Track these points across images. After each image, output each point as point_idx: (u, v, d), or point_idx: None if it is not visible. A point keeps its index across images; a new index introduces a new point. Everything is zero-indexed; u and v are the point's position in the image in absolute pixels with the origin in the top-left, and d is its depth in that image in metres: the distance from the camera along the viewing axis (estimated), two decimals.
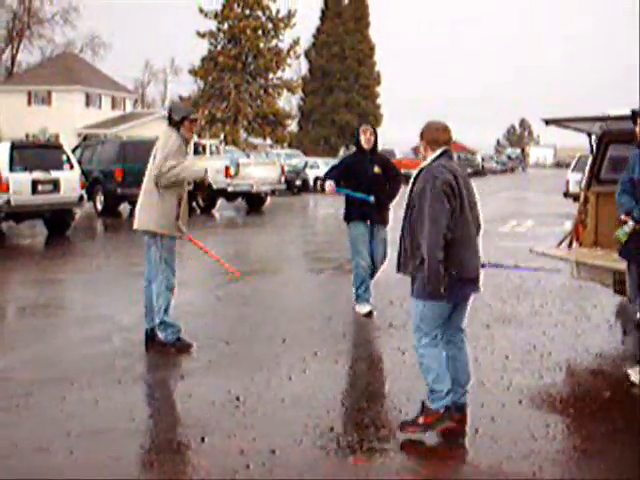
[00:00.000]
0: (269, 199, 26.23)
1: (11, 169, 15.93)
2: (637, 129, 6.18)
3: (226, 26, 58.29)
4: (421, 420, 5.04)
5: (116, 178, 21.53)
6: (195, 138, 46.42)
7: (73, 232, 17.35)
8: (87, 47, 73.02)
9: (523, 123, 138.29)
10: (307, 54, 70.78)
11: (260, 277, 11.64)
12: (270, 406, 5.68)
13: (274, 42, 59.26)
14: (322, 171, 37.26)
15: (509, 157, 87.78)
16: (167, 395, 6.17)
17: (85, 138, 44.31)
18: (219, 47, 58.93)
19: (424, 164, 5.19)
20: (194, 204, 22.73)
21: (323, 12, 72.22)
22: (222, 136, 46.12)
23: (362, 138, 8.74)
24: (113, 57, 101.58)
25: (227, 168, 23.94)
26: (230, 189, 24.06)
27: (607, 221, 8.10)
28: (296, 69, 68.06)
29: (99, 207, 22.42)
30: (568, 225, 8.75)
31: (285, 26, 59.20)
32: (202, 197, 23.36)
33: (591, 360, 6.97)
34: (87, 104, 59.01)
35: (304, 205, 29.54)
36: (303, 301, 9.93)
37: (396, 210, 6.69)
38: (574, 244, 8.45)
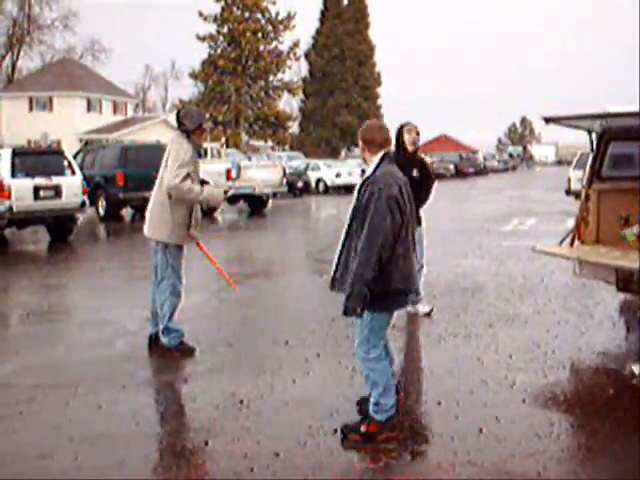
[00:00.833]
0: (271, 201, 26.24)
1: (13, 175, 15.94)
2: None
3: (226, 29, 58.40)
4: (363, 429, 5.01)
5: (118, 183, 21.55)
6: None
7: (76, 237, 17.37)
8: (87, 52, 73.21)
9: (524, 121, 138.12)
10: (307, 56, 70.88)
11: (263, 279, 11.64)
12: (274, 409, 5.68)
13: (274, 44, 59.37)
14: (323, 173, 37.37)
15: (511, 155, 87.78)
16: (171, 399, 6.17)
17: (86, 143, 44.36)
18: (219, 50, 59.05)
19: (368, 173, 4.95)
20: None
21: (322, 13, 72.33)
22: (223, 139, 46.17)
23: (406, 138, 8.21)
24: (113, 62, 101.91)
25: (229, 171, 23.94)
26: (232, 192, 24.05)
27: (609, 218, 8.09)
28: (296, 71, 68.17)
29: (101, 212, 22.43)
30: (570, 223, 8.73)
31: (285, 28, 59.27)
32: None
33: (595, 358, 6.96)
34: (88, 109, 59.09)
35: (306, 207, 29.54)
36: (306, 303, 9.93)
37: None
38: (576, 242, 8.44)
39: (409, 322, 8.28)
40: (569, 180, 23.87)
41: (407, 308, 8.08)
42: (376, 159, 4.97)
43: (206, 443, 5.04)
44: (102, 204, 22.39)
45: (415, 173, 8.20)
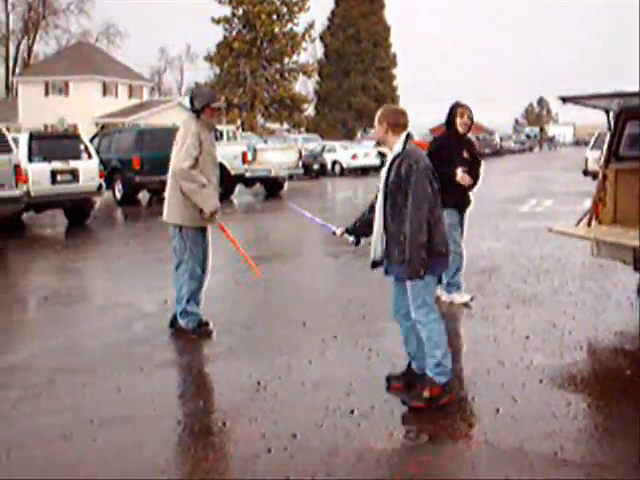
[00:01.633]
0: (287, 184, 26.23)
1: (30, 160, 16.02)
2: None
3: (240, 11, 58.27)
4: (427, 394, 5.19)
5: (134, 166, 21.59)
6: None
7: (93, 221, 17.46)
8: (103, 36, 73.34)
9: (541, 102, 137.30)
10: (322, 37, 70.59)
11: (279, 262, 11.66)
12: (291, 390, 5.70)
13: (289, 26, 59.28)
14: (339, 155, 37.28)
15: (527, 136, 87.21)
16: (188, 381, 6.21)
17: (103, 127, 44.46)
18: (234, 33, 58.97)
19: (397, 150, 5.29)
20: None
21: None
22: (239, 122, 46.15)
23: (458, 120, 8.03)
24: (129, 45, 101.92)
25: (245, 154, 23.93)
26: (248, 175, 24.06)
27: (626, 198, 8.04)
28: (311, 53, 67.94)
29: (118, 196, 22.50)
30: (588, 203, 8.69)
31: (299, 10, 59.12)
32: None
33: (612, 338, 6.94)
34: (104, 93, 59.23)
35: (322, 189, 29.52)
36: (322, 285, 9.95)
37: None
38: (593, 222, 8.39)
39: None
40: (586, 160, 23.72)
41: (442, 297, 8.11)
42: (402, 138, 5.31)
43: (224, 424, 5.08)
44: (119, 188, 22.46)
45: (465, 154, 8.13)
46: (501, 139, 65.67)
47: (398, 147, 5.29)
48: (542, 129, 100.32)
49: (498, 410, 5.20)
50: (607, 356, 6.56)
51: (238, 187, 24.71)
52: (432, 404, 5.18)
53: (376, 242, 5.39)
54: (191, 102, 7.27)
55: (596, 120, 9.42)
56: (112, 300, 9.00)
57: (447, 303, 8.10)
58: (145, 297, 8.95)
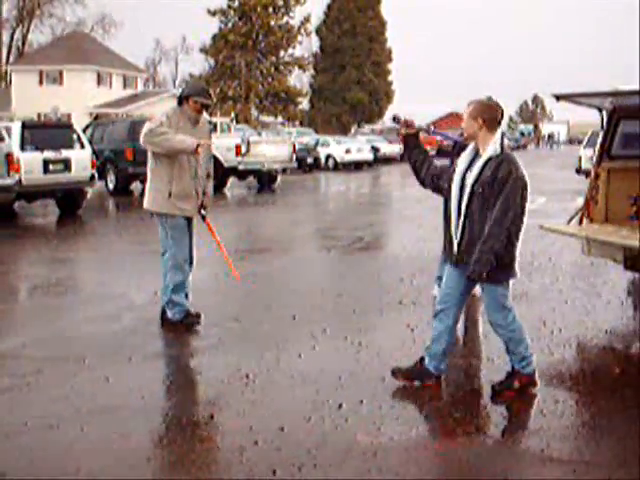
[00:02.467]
0: (280, 177, 26.20)
1: (22, 149, 15.95)
2: None
3: (237, 3, 58.14)
4: (516, 384, 5.40)
5: (127, 157, 21.53)
6: (207, 116, 46.36)
7: (85, 211, 17.41)
8: (98, 26, 73.07)
9: (536, 99, 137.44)
10: (318, 31, 70.42)
11: (270, 255, 11.66)
12: (279, 383, 5.70)
13: (285, 19, 59.19)
14: (333, 149, 37.26)
15: (522, 134, 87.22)
16: (177, 373, 6.20)
17: (96, 117, 44.34)
18: (230, 25, 58.82)
19: (495, 150, 5.11)
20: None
21: None
22: (233, 114, 46.07)
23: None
24: (124, 36, 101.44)
25: (238, 146, 23.89)
26: (241, 167, 24.01)
27: (618, 197, 8.06)
28: (307, 46, 67.85)
29: (110, 186, 22.47)
30: (579, 201, 8.71)
31: (296, 3, 59.04)
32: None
33: (601, 337, 6.96)
34: (98, 83, 59.03)
35: (315, 183, 29.51)
36: (313, 279, 9.95)
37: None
38: (585, 220, 8.41)
39: (416, 299, 8.27)
40: (580, 158, 23.73)
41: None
42: (498, 137, 5.15)
43: (211, 417, 5.07)
44: (111, 178, 22.43)
45: None
46: None
47: (495, 147, 5.12)
48: (536, 127, 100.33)
49: (487, 407, 5.21)
50: (596, 354, 6.58)
51: (231, 179, 24.67)
52: (520, 392, 5.38)
53: (451, 237, 5.35)
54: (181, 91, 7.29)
55: (590, 118, 9.42)
56: (102, 291, 8.98)
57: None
58: (136, 288, 8.93)
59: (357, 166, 37.76)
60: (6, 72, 65.72)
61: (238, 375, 5.84)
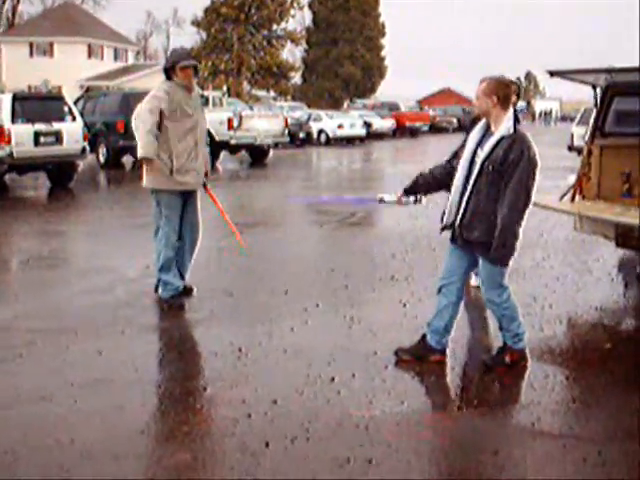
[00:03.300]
0: (272, 152, 26.13)
1: (13, 121, 15.85)
2: None
3: None
4: (507, 359, 5.43)
5: (118, 130, 21.42)
6: (198, 90, 46.12)
7: (76, 184, 17.33)
8: None
9: (529, 76, 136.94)
10: (311, 5, 69.94)
11: (263, 229, 11.66)
12: (272, 357, 5.72)
13: None
14: (325, 124, 37.12)
15: (514, 110, 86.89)
16: (170, 346, 6.21)
17: (87, 90, 44.05)
18: None
19: (508, 129, 5.10)
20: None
21: None
22: (225, 88, 45.79)
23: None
24: (115, 8, 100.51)
25: (230, 120, 23.79)
26: (233, 141, 23.91)
27: (611, 174, 8.07)
28: (300, 20, 67.42)
29: (102, 159, 22.37)
30: (571, 178, 8.72)
31: None
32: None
33: (592, 313, 6.99)
34: (89, 55, 58.59)
35: (307, 158, 29.45)
36: (305, 253, 9.95)
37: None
38: (577, 197, 8.42)
39: (409, 275, 8.30)
40: (572, 136, 23.72)
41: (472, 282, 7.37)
42: (510, 115, 5.15)
43: (204, 389, 5.10)
44: (102, 151, 22.31)
45: None
46: None
47: (508, 126, 5.11)
48: (529, 103, 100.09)
49: (477, 381, 5.25)
50: (586, 330, 6.62)
51: (223, 154, 24.58)
52: (511, 367, 5.41)
53: (451, 209, 5.47)
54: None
55: (582, 96, 9.40)
56: (94, 264, 8.97)
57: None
58: (128, 262, 8.93)
59: (349, 141, 37.67)
60: None
61: (231, 348, 5.85)
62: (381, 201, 6.01)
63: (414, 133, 47.17)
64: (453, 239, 5.50)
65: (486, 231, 5.17)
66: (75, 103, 20.69)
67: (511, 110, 5.18)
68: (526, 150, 5.06)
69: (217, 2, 58.09)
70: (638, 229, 7.09)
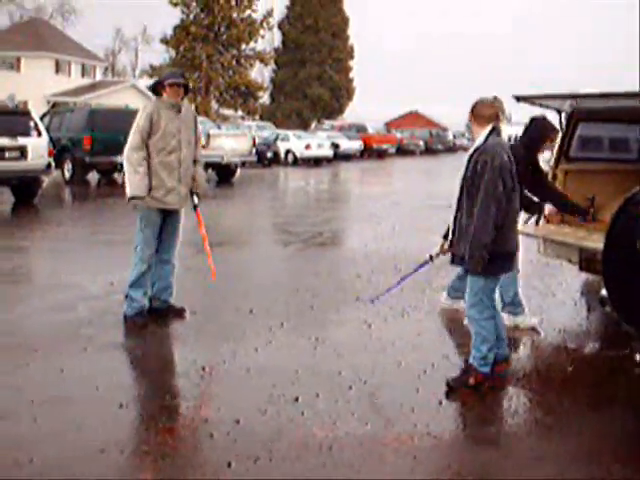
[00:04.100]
0: (239, 171, 26.10)
1: None
2: None
3: None
4: (471, 381, 5.45)
5: (85, 146, 21.33)
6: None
7: (40, 200, 17.16)
8: (57, 13, 72.07)
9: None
10: (280, 26, 70.19)
11: (228, 248, 11.60)
12: (235, 376, 5.68)
13: (247, 12, 58.72)
14: (293, 144, 37.18)
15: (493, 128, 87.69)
16: (132, 364, 6.15)
17: (54, 105, 43.75)
18: (192, 16, 58.30)
19: (478, 143, 5.33)
20: None
21: None
22: (193, 107, 45.73)
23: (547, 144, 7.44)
24: (83, 24, 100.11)
25: None
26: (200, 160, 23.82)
27: (575, 199, 8.15)
28: (269, 40, 67.61)
29: (67, 175, 22.21)
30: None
31: None
32: None
33: (555, 335, 7.04)
34: (57, 71, 58.24)
35: (274, 177, 29.45)
36: (271, 273, 9.93)
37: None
38: (542, 221, 8.50)
39: (374, 296, 8.30)
40: None
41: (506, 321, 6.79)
42: (485, 131, 5.34)
43: (166, 408, 5.04)
44: (68, 167, 22.18)
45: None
46: (454, 136, 66.10)
47: (479, 140, 5.34)
48: None
49: (441, 402, 5.25)
50: (550, 353, 6.66)
51: None
52: (476, 389, 5.42)
53: (452, 231, 5.53)
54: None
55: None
56: (57, 281, 8.87)
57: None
58: (91, 279, 8.84)
59: (316, 162, 37.75)
60: None
61: (194, 367, 5.81)
62: (431, 258, 6.22)
63: (381, 155, 47.39)
64: (452, 261, 5.60)
65: (466, 245, 5.27)
66: (41, 118, 20.53)
67: (488, 127, 5.34)
68: (489, 159, 5.16)
69: (186, 21, 58.05)
70: (601, 254, 7.16)
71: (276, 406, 5.07)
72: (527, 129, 7.18)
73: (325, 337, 6.71)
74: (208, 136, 24.24)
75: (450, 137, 63.71)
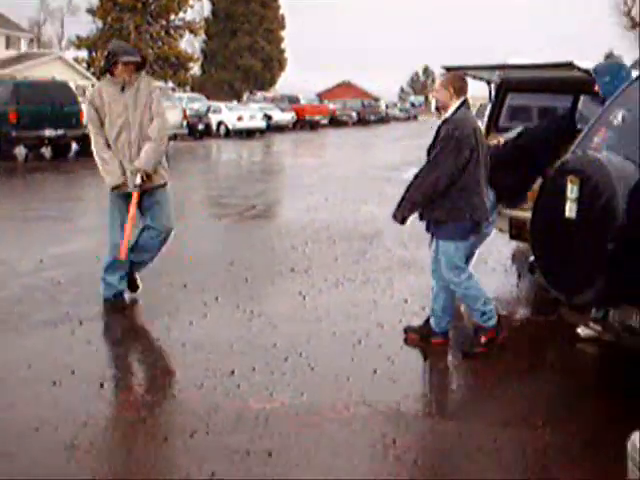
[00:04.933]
0: (171, 144, 25.76)
1: None
2: None
3: None
4: (483, 339, 5.70)
5: (10, 120, 20.75)
6: (94, 80, 45.13)
7: None
8: None
9: (427, 71, 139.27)
10: None
11: None
12: (171, 351, 5.66)
13: None
14: (225, 116, 36.85)
15: (412, 104, 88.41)
16: (64, 342, 6.05)
17: None
18: None
19: (448, 114, 5.50)
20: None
21: None
22: (147, 79, 44.94)
23: None
24: None
25: None
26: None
27: None
28: (199, 11, 66.74)
29: None
30: None
31: None
32: None
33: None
34: None
35: (206, 150, 29.20)
36: (205, 247, 9.87)
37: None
38: None
39: (308, 267, 8.33)
40: None
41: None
42: (456, 104, 5.52)
43: (101, 385, 4.99)
44: None
45: None
46: (387, 106, 66.34)
47: (449, 112, 5.51)
48: (427, 98, 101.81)
49: (376, 371, 5.31)
50: None
51: None
52: (489, 346, 5.68)
53: None
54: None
55: (478, 92, 9.60)
56: None
57: None
58: (21, 255, 8.67)
59: (249, 134, 37.53)
60: None
61: (127, 343, 5.76)
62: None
63: (314, 126, 47.35)
64: (427, 229, 5.83)
65: (436, 210, 5.52)
66: None
67: (461, 99, 5.53)
68: (451, 129, 5.38)
69: None
70: (530, 222, 7.29)
71: (212, 380, 5.07)
72: None
73: (260, 309, 6.72)
74: None
75: (383, 108, 63.95)
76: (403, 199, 5.54)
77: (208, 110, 37.14)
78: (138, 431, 4.33)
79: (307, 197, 14.32)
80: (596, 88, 6.06)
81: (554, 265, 4.97)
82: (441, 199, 5.48)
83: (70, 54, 58.73)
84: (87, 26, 61.22)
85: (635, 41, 52.44)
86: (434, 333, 5.86)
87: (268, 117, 40.62)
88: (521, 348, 5.95)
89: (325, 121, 49.20)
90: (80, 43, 59.15)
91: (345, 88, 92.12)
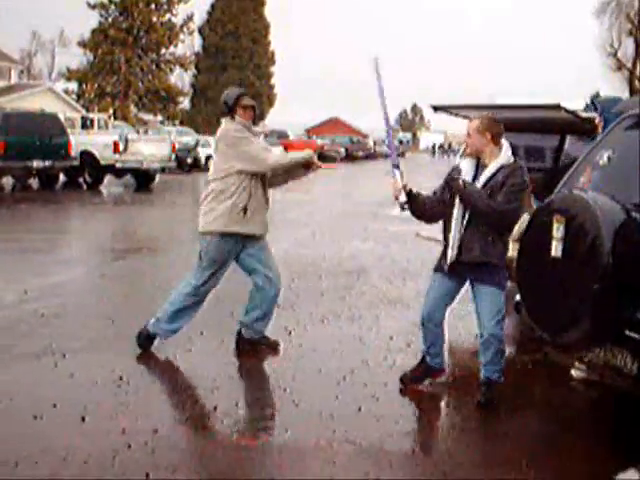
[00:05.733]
0: (158, 176, 25.81)
1: None
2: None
3: None
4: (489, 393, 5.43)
5: None
6: (83, 112, 45.20)
7: None
8: None
9: (415, 108, 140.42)
10: (201, 30, 69.83)
11: (146, 255, 11.47)
12: (154, 385, 5.62)
13: (167, 16, 58.33)
14: (213, 150, 36.92)
15: (400, 142, 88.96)
16: (48, 374, 5.99)
17: None
18: (110, 19, 57.56)
19: (507, 159, 5.33)
20: (80, 180, 22.25)
21: None
22: (111, 110, 45.11)
23: None
24: None
25: (116, 143, 23.41)
26: (119, 165, 23.52)
27: None
28: (189, 45, 67.13)
29: None
30: None
31: (179, 1, 58.29)
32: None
33: (473, 341, 7.12)
34: None
35: (194, 184, 29.17)
36: None
37: None
38: None
39: (294, 302, 8.31)
40: None
41: None
42: (506, 147, 5.40)
43: (83, 419, 4.93)
44: None
45: None
46: (375, 143, 66.68)
47: (507, 156, 5.34)
48: (415, 135, 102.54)
49: (360, 409, 5.28)
50: (468, 358, 6.76)
51: (108, 177, 24.12)
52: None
53: (453, 243, 5.47)
54: (224, 104, 7.05)
55: (464, 130, 9.67)
56: None
57: None
58: (4, 286, 8.60)
59: None
60: None
61: (111, 377, 5.71)
62: (395, 167, 6.22)
63: None
64: (451, 270, 5.61)
65: (483, 249, 5.31)
66: None
67: (506, 142, 5.42)
68: (527, 178, 5.29)
69: (104, 24, 57.29)
70: (515, 263, 7.31)
71: (195, 415, 5.03)
72: None
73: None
74: (126, 141, 23.92)
75: (371, 144, 64.30)
76: (474, 192, 5.29)
77: (197, 144, 37.21)
78: (118, 467, 4.27)
79: (294, 232, 14.33)
80: (597, 120, 6.13)
81: (540, 304, 4.98)
82: (499, 240, 5.34)
83: (60, 86, 58.83)
84: (78, 58, 61.33)
85: (621, 83, 53.15)
86: (434, 370, 5.75)
87: None
88: (506, 387, 5.92)
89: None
90: (70, 75, 59.30)
91: (334, 124, 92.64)
